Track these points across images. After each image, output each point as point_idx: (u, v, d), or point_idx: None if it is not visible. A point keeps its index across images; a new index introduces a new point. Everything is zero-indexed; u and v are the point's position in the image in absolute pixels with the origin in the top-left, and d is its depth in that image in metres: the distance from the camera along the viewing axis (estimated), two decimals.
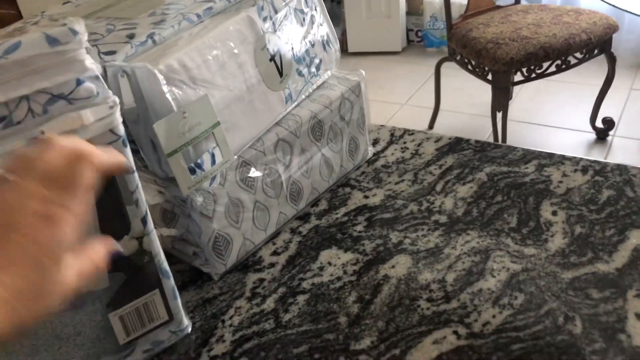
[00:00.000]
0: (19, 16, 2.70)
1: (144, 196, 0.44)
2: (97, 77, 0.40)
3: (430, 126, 2.49)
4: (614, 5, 1.96)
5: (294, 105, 0.60)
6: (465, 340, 0.47)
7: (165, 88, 0.46)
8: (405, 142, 0.75)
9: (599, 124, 2.18)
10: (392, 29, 3.26)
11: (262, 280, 0.56)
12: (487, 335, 0.47)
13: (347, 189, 0.67)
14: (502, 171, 0.67)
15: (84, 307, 0.43)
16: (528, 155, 0.69)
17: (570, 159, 0.67)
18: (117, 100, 0.40)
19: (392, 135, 0.77)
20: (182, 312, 0.50)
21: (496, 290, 0.51)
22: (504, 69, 1.88)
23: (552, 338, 0.46)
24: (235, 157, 0.54)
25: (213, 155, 0.50)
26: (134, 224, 0.43)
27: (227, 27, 0.52)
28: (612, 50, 2.01)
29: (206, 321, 0.52)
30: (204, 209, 0.52)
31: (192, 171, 0.49)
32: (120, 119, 0.41)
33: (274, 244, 0.60)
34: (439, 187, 0.65)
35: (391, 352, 0.47)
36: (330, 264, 0.57)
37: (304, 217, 0.64)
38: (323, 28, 0.65)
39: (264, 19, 0.56)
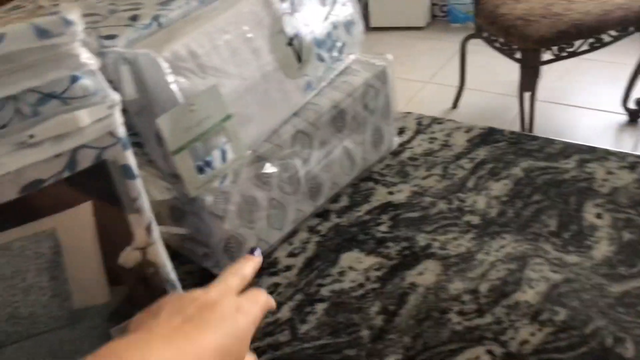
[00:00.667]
0: None
1: (147, 203, 0.39)
2: (94, 73, 0.35)
3: (454, 105, 2.42)
4: None
5: (313, 93, 0.55)
6: None
7: (170, 78, 0.41)
8: (433, 132, 0.69)
9: (631, 105, 2.09)
10: (416, 3, 3.16)
11: (277, 285, 0.52)
12: (525, 356, 0.43)
13: (370, 184, 0.62)
14: (540, 166, 0.61)
15: (83, 323, 0.40)
16: (568, 149, 0.63)
17: (615, 153, 0.61)
18: (116, 98, 0.36)
19: (419, 124, 0.71)
20: None
21: (535, 304, 0.46)
22: (534, 47, 1.80)
23: None
24: (249, 152, 0.49)
25: (224, 152, 0.45)
26: (137, 233, 0.39)
27: (241, 8, 0.47)
28: None
29: None
30: (215, 209, 0.48)
31: (201, 170, 0.44)
32: (120, 120, 0.36)
33: (291, 244, 0.56)
34: (470, 184, 0.60)
35: None
36: (351, 268, 0.52)
37: (323, 215, 0.59)
38: (347, 8, 0.59)
39: None
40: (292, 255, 0.55)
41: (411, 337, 0.45)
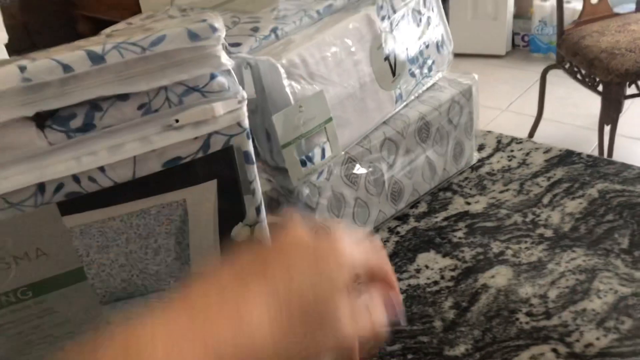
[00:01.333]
0: (136, 3, 2.87)
1: (259, 186, 0.45)
2: (229, 72, 0.42)
3: (531, 135, 2.40)
4: None
5: (403, 105, 0.61)
6: (565, 359, 0.46)
7: (285, 82, 0.48)
8: (512, 151, 0.73)
9: None
10: (497, 31, 3.16)
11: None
12: (589, 357, 0.46)
13: (449, 194, 0.67)
14: (616, 189, 0.63)
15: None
16: None
17: None
18: (245, 95, 0.42)
19: (498, 142, 0.75)
20: None
21: (601, 312, 0.49)
22: (618, 80, 1.78)
23: None
24: (343, 152, 0.55)
25: (323, 150, 0.51)
26: (249, 212, 0.45)
27: (347, 25, 0.53)
28: None
29: None
30: (309, 201, 0.54)
31: (303, 163, 0.50)
32: (246, 113, 0.43)
33: None
34: (546, 200, 0.63)
35: None
36: (427, 267, 0.57)
37: (402, 218, 0.64)
38: (438, 29, 0.64)
39: (382, 18, 0.56)
40: None
41: (481, 331, 0.49)
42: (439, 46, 0.64)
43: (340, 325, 0.29)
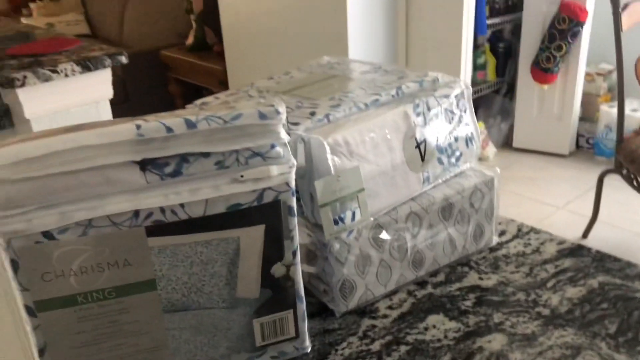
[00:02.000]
0: (224, 72, 3.15)
1: (298, 237, 0.57)
2: (285, 145, 0.55)
3: (585, 235, 2.42)
4: None
5: (430, 186, 0.72)
6: None
7: (329, 156, 0.60)
8: (529, 239, 0.82)
9: None
10: (561, 131, 3.23)
11: (374, 326, 0.67)
12: None
13: (465, 269, 0.76)
14: (615, 283, 0.71)
15: (238, 309, 0.58)
16: None
17: None
18: (295, 162, 0.55)
19: (519, 230, 0.84)
20: (306, 334, 0.62)
21: None
22: None
23: None
24: (372, 219, 0.66)
25: (354, 213, 0.63)
26: (287, 254, 0.57)
27: (386, 117, 0.66)
28: None
29: (323, 347, 0.64)
30: (339, 255, 0.65)
31: (336, 222, 0.62)
32: (294, 177, 0.56)
33: (391, 300, 0.71)
34: (549, 284, 0.72)
35: None
36: (434, 327, 0.66)
37: (421, 284, 0.73)
38: (469, 127, 0.76)
39: (417, 114, 0.69)
40: (390, 308, 0.70)
41: None
42: (467, 141, 0.76)
43: None
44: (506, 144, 3.40)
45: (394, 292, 0.72)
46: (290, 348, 0.62)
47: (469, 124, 0.76)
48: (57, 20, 4.46)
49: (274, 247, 0.56)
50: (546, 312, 0.67)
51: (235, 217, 0.54)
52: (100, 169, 0.50)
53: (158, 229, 0.52)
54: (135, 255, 0.52)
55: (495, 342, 0.63)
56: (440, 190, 0.73)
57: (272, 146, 0.54)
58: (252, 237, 0.55)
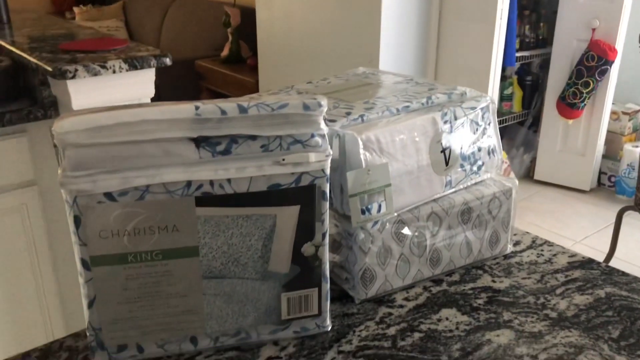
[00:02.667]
0: (256, 85, 3.24)
1: (328, 220, 0.63)
2: (324, 135, 0.61)
3: None
4: None
5: (451, 190, 0.77)
6: None
7: (361, 151, 0.66)
8: (542, 250, 0.86)
9: None
10: (584, 167, 3.25)
11: (390, 314, 0.71)
12: None
13: (480, 272, 0.81)
14: (621, 294, 0.75)
15: (268, 282, 0.63)
16: None
17: None
18: (331, 152, 0.61)
19: (533, 242, 0.89)
20: (328, 313, 0.67)
21: None
22: None
23: None
24: (395, 214, 0.71)
25: (380, 206, 0.68)
26: (317, 235, 0.63)
27: (415, 121, 0.72)
28: None
29: (342, 328, 0.69)
30: (363, 245, 0.70)
31: (363, 212, 0.67)
32: (329, 165, 0.61)
33: (407, 292, 0.76)
34: (559, 291, 0.76)
35: None
36: (447, 319, 0.71)
37: (437, 281, 0.78)
38: (491, 139, 0.81)
39: (445, 122, 0.74)
40: (406, 299, 0.74)
41: None
42: (490, 152, 0.81)
43: None
44: (527, 175, 3.43)
45: (410, 287, 0.77)
46: (312, 325, 0.67)
47: (492, 137, 0.81)
48: (98, 25, 4.63)
49: (306, 228, 0.62)
50: (553, 314, 0.71)
51: (275, 196, 0.60)
52: (160, 142, 0.56)
53: (206, 200, 0.58)
54: (184, 222, 0.58)
55: (503, 336, 0.67)
56: (461, 195, 0.78)
57: (312, 135, 0.60)
58: (288, 216, 0.61)
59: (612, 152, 3.24)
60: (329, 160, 0.61)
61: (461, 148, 0.76)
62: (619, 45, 2.99)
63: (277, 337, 0.66)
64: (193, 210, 0.58)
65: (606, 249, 2.43)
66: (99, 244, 0.57)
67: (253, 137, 0.58)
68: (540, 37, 3.36)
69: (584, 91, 3.01)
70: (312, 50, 2.88)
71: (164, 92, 3.62)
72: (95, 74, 1.38)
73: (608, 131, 3.20)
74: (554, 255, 0.85)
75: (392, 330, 0.68)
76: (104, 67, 1.39)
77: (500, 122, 3.23)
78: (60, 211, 1.59)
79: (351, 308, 0.72)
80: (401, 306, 0.73)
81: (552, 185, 3.32)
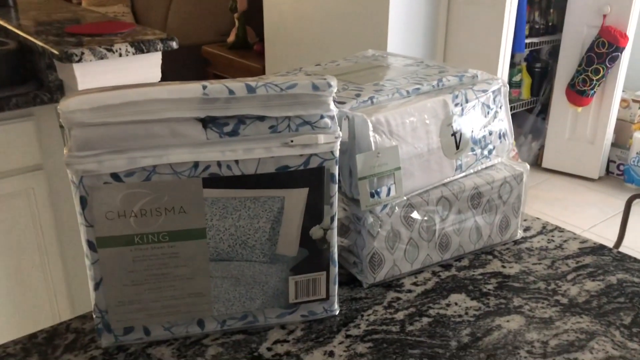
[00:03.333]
0: (262, 71, 3.22)
1: (337, 203, 0.62)
2: (333, 117, 0.60)
3: None
4: None
5: (462, 174, 0.76)
6: None
7: (371, 133, 0.65)
8: (553, 236, 0.85)
9: None
10: (592, 155, 3.22)
11: (399, 298, 0.71)
12: None
13: (489, 257, 0.80)
14: (634, 281, 0.74)
15: (276, 265, 0.62)
16: None
17: None
18: (341, 134, 0.60)
19: (543, 227, 0.87)
20: (336, 297, 0.67)
21: None
22: None
23: None
24: (405, 198, 0.70)
25: (389, 190, 0.67)
26: (325, 218, 0.62)
27: (426, 103, 0.70)
28: None
29: (350, 312, 0.68)
30: (371, 229, 0.69)
31: (372, 195, 0.66)
32: (338, 147, 0.60)
33: (416, 277, 0.75)
34: (570, 277, 0.75)
35: None
36: (456, 304, 0.70)
37: (446, 266, 0.77)
38: (503, 123, 0.80)
39: (456, 105, 0.73)
40: (415, 284, 0.74)
41: (486, 355, 0.61)
42: (501, 136, 0.80)
43: None
44: (535, 163, 3.40)
45: (419, 271, 0.76)
46: (320, 309, 0.66)
47: (503, 120, 0.80)
48: (104, 11, 4.61)
49: (315, 210, 0.61)
50: (564, 300, 0.70)
51: (283, 178, 0.59)
52: (167, 122, 0.55)
53: (213, 181, 0.57)
54: (191, 203, 0.57)
55: (513, 322, 0.66)
56: (471, 179, 0.77)
57: (321, 117, 0.59)
58: (296, 198, 0.60)
59: (621, 140, 3.21)
60: (338, 142, 0.60)
61: (472, 131, 0.75)
62: (630, 32, 2.95)
63: (285, 320, 0.65)
64: (200, 192, 0.57)
65: (614, 238, 2.41)
66: (105, 225, 0.57)
67: (261, 118, 0.57)
68: (550, 23, 3.32)
69: (594, 78, 2.98)
70: (319, 35, 2.85)
71: (170, 77, 3.60)
72: (102, 58, 1.37)
73: (617, 119, 3.17)
74: (565, 241, 0.84)
75: (400, 315, 0.68)
76: (110, 50, 1.38)
77: None
78: (67, 195, 1.60)
79: (359, 292, 0.72)
80: (410, 291, 0.72)
81: (561, 174, 3.29)
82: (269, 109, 0.57)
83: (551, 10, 3.31)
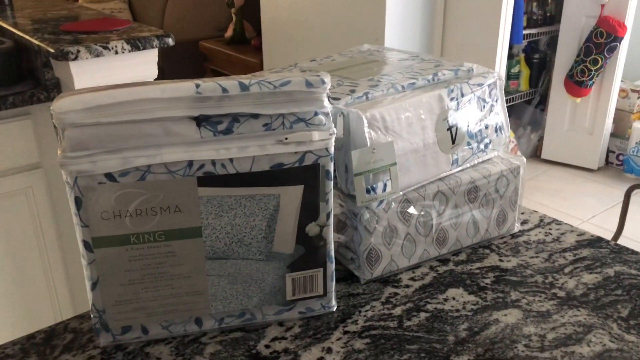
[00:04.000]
0: (260, 66, 3.22)
1: (332, 200, 0.62)
2: (327, 114, 0.60)
3: None
4: None
5: (458, 169, 0.76)
6: None
7: (366, 129, 0.65)
8: (550, 229, 0.85)
9: None
10: (591, 146, 3.22)
11: (396, 294, 0.71)
12: None
13: (487, 251, 0.80)
14: (631, 273, 0.74)
15: (273, 262, 0.62)
16: None
17: None
18: (335, 130, 0.60)
19: (541, 221, 0.87)
20: (333, 294, 0.67)
21: (587, 357, 0.60)
22: None
23: None
24: (401, 193, 0.70)
25: (385, 185, 0.67)
26: (321, 215, 0.62)
27: (421, 98, 0.70)
28: None
29: (347, 308, 0.68)
30: (368, 224, 0.69)
31: (368, 191, 0.66)
32: (333, 143, 0.60)
33: (413, 272, 0.75)
34: (567, 270, 0.75)
35: None
36: (454, 299, 0.70)
37: (443, 261, 0.77)
38: (499, 117, 0.80)
39: (451, 99, 0.73)
40: (412, 279, 0.74)
41: (484, 349, 0.61)
42: (497, 130, 0.80)
43: None
44: (535, 154, 3.40)
45: (416, 266, 0.76)
46: (318, 305, 0.66)
47: (499, 114, 0.80)
48: (101, 7, 4.59)
49: (310, 207, 0.61)
50: (562, 294, 0.70)
51: (278, 175, 0.59)
52: (161, 121, 0.55)
53: (208, 180, 0.57)
54: (186, 202, 0.57)
55: (510, 316, 0.66)
56: (468, 173, 0.76)
57: (315, 113, 0.59)
58: (291, 196, 0.60)
59: (620, 130, 3.21)
60: (333, 139, 0.60)
61: (468, 125, 0.75)
62: (629, 22, 2.94)
63: (282, 317, 0.65)
64: (195, 191, 0.57)
65: (614, 228, 2.41)
66: (101, 225, 0.57)
67: (255, 116, 0.57)
68: (548, 14, 3.30)
69: (593, 69, 2.97)
70: (317, 30, 2.84)
71: (168, 73, 3.60)
72: (98, 55, 1.36)
73: (616, 109, 3.16)
74: (562, 234, 0.84)
75: (398, 311, 0.68)
76: (106, 48, 1.37)
77: (507, 101, 3.20)
78: (66, 193, 1.59)
79: (357, 288, 0.72)
80: (407, 286, 0.72)
81: (560, 165, 3.29)
82: (263, 106, 0.57)
83: (549, 1, 3.30)
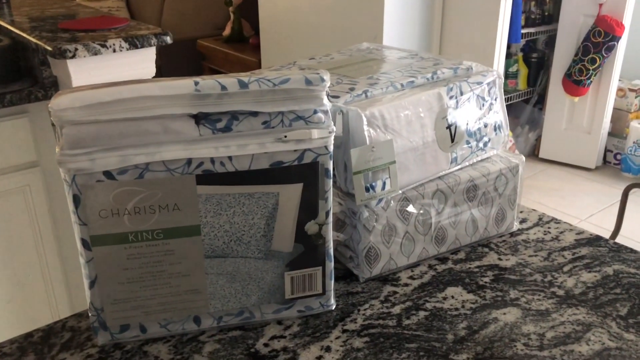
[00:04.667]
0: (258, 64, 3.21)
1: (331, 198, 0.62)
2: (326, 112, 0.59)
3: None
4: None
5: (457, 167, 0.76)
6: None
7: (365, 127, 0.64)
8: (549, 228, 0.85)
9: None
10: (589, 145, 3.22)
11: (395, 292, 0.71)
12: None
13: (486, 249, 0.80)
14: (630, 272, 0.74)
15: (272, 261, 0.62)
16: None
17: None
18: (334, 128, 0.60)
19: (540, 219, 0.87)
20: (332, 292, 0.66)
21: (586, 356, 0.60)
22: None
23: None
24: (400, 191, 0.70)
25: (384, 184, 0.67)
26: (320, 213, 0.62)
27: (420, 97, 0.70)
28: None
29: (346, 306, 0.68)
30: (367, 223, 0.69)
31: (367, 190, 0.66)
32: (332, 141, 0.60)
33: (412, 271, 0.75)
34: (566, 269, 0.75)
35: None
36: (453, 297, 0.70)
37: (442, 260, 0.77)
38: (498, 115, 0.79)
39: (450, 97, 0.73)
40: (411, 278, 0.74)
41: (483, 348, 0.61)
42: (496, 128, 0.79)
43: None
44: (532, 153, 3.40)
45: (415, 265, 0.76)
46: (316, 304, 0.66)
47: (499, 112, 0.80)
48: (99, 6, 4.58)
49: (309, 206, 0.61)
50: (561, 292, 0.70)
51: (277, 173, 0.58)
52: (160, 119, 0.55)
53: (207, 178, 0.57)
54: (185, 200, 0.57)
55: (509, 314, 0.66)
56: (467, 171, 0.76)
57: (315, 111, 0.58)
58: (291, 194, 0.60)
59: (618, 130, 3.21)
60: (332, 137, 0.59)
61: (467, 124, 0.75)
62: (627, 21, 2.94)
63: (281, 316, 0.65)
64: (194, 189, 0.57)
65: (611, 227, 2.41)
66: (99, 224, 0.56)
67: (254, 114, 0.57)
68: (546, 13, 3.31)
69: (590, 68, 2.97)
70: (315, 28, 2.84)
71: (166, 72, 3.59)
72: (96, 53, 1.36)
73: (614, 108, 3.17)
74: (561, 232, 0.84)
75: (397, 309, 0.68)
76: (104, 46, 1.37)
77: (505, 100, 3.20)
78: (63, 191, 1.58)
79: (355, 287, 0.72)
80: (406, 285, 0.72)
81: (558, 164, 3.29)
82: (262, 104, 0.57)
83: (547, 0, 3.30)
